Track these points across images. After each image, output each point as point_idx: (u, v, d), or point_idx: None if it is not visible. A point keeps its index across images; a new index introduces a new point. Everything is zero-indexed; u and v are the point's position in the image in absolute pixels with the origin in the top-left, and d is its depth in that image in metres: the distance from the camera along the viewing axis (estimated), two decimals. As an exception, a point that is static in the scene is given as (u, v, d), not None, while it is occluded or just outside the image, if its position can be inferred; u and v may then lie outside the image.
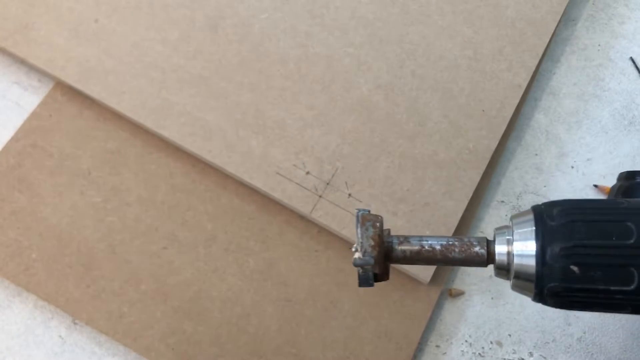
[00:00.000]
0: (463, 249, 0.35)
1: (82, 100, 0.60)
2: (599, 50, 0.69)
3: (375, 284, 0.36)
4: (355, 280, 0.46)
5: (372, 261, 0.34)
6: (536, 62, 0.64)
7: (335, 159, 0.58)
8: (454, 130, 0.60)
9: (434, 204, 0.57)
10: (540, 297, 0.32)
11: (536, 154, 0.63)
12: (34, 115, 0.59)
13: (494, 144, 0.60)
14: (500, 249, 0.34)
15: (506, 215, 0.61)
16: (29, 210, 0.56)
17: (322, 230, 0.57)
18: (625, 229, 0.30)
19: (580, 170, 0.63)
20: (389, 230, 0.37)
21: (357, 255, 0.35)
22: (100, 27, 0.61)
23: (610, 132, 0.65)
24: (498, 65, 0.63)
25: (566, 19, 0.69)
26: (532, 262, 0.32)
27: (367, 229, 0.35)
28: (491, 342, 0.56)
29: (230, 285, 0.55)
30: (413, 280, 0.56)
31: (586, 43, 0.69)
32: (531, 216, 0.33)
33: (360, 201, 0.57)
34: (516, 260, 0.33)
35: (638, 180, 0.46)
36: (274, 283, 0.55)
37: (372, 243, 0.34)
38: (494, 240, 0.35)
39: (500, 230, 0.35)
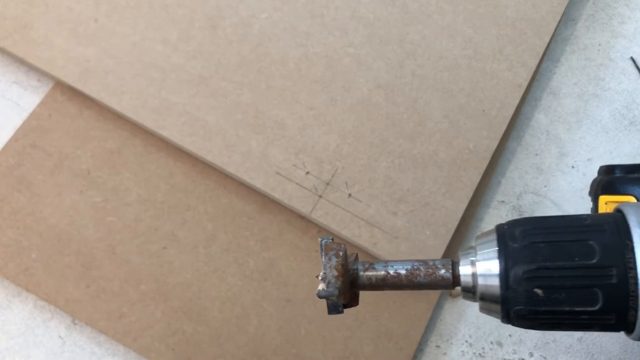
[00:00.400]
0: (428, 273, 0.34)
1: (82, 100, 0.60)
2: (599, 50, 0.69)
3: (346, 310, 0.35)
4: None
5: (336, 292, 0.33)
6: (536, 61, 0.64)
7: (335, 159, 0.58)
8: (454, 130, 0.60)
9: (434, 204, 0.57)
10: (508, 319, 0.32)
11: (536, 154, 0.63)
12: (34, 115, 0.59)
13: (494, 144, 0.60)
14: (464, 271, 0.33)
15: (506, 215, 0.61)
16: (29, 210, 0.56)
17: (322, 230, 0.57)
18: (588, 248, 0.30)
19: (581, 170, 0.63)
20: (356, 255, 0.36)
21: (321, 286, 0.34)
22: (100, 27, 0.61)
23: (610, 132, 0.65)
24: (498, 65, 0.63)
25: (566, 19, 0.69)
26: (496, 283, 0.31)
27: (330, 259, 0.34)
28: (491, 342, 0.56)
29: (230, 285, 0.55)
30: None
31: (586, 43, 0.69)
32: (494, 236, 0.33)
33: (360, 201, 0.57)
34: (480, 282, 0.32)
35: (617, 174, 0.45)
36: (274, 283, 0.55)
37: (336, 273, 0.33)
38: (458, 262, 0.34)
39: (465, 251, 0.34)
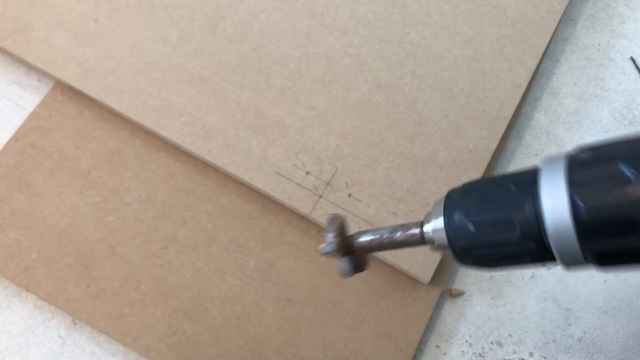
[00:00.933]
0: (404, 233, 0.41)
1: (82, 100, 0.60)
2: (599, 50, 0.69)
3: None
4: (355, 281, 0.53)
5: (334, 247, 0.40)
6: (536, 61, 0.64)
7: (335, 159, 0.58)
8: (454, 130, 0.60)
9: (434, 203, 0.57)
10: (458, 258, 0.38)
11: (536, 154, 0.63)
12: (34, 115, 0.59)
13: (494, 144, 0.60)
14: (426, 228, 0.40)
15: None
16: (29, 210, 0.56)
17: (322, 230, 0.57)
18: (506, 189, 0.37)
19: (581, 170, 0.63)
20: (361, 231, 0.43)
21: (322, 245, 0.41)
22: (100, 27, 0.61)
23: (610, 132, 0.65)
24: (498, 65, 0.63)
25: (566, 19, 0.69)
26: (443, 230, 0.38)
27: (331, 225, 0.41)
28: (491, 342, 0.56)
29: (231, 285, 0.55)
30: (413, 280, 0.56)
31: (586, 43, 0.69)
32: (443, 196, 0.40)
33: (360, 201, 0.57)
34: (436, 234, 0.39)
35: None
36: (274, 283, 0.55)
37: (335, 234, 0.41)
38: (423, 221, 0.41)
39: (427, 213, 0.41)
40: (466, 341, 0.56)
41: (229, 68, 0.61)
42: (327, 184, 0.57)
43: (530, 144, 0.64)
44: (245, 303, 0.55)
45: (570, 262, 0.35)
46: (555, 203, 0.34)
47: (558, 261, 0.36)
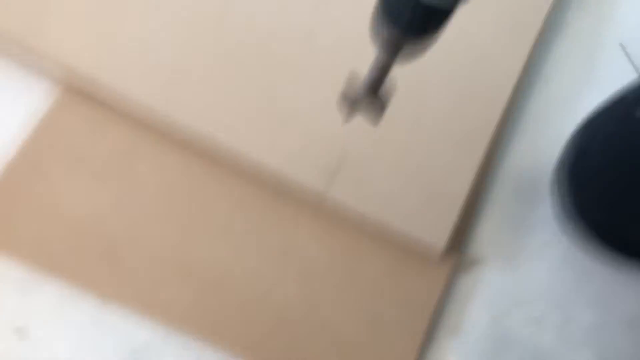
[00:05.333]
0: None
1: (94, 98, 0.62)
2: (590, 36, 0.72)
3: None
4: (372, 252, 0.58)
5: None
6: (529, 47, 0.67)
7: (346, 140, 0.61)
8: (451, 116, 0.63)
9: (438, 185, 0.60)
10: None
11: (532, 140, 0.66)
12: (48, 115, 0.61)
13: (490, 129, 0.63)
14: None
15: (507, 197, 0.63)
16: (51, 203, 0.58)
17: (337, 209, 0.59)
18: None
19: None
20: None
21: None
22: (108, 25, 0.63)
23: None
24: (493, 51, 0.67)
25: (557, 5, 0.72)
26: None
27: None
28: (508, 306, 0.58)
29: (252, 262, 0.57)
30: (429, 249, 0.58)
31: (577, 29, 0.72)
32: None
33: (373, 179, 0.59)
34: None
35: None
36: (294, 258, 0.57)
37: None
38: None
39: None
40: (482, 306, 0.58)
41: (236, 58, 0.63)
42: (340, 164, 0.60)
43: (525, 129, 0.66)
44: (268, 277, 0.56)
45: None
46: None
47: None
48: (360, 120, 0.61)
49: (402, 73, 0.65)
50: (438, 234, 0.58)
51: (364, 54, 0.66)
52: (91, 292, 0.55)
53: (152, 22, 0.65)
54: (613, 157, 0.54)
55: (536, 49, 0.70)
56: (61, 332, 0.54)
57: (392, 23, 0.43)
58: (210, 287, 0.56)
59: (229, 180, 0.60)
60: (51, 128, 0.61)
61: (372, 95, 0.48)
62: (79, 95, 0.63)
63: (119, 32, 0.64)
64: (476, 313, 0.57)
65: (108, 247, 0.56)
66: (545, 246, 0.60)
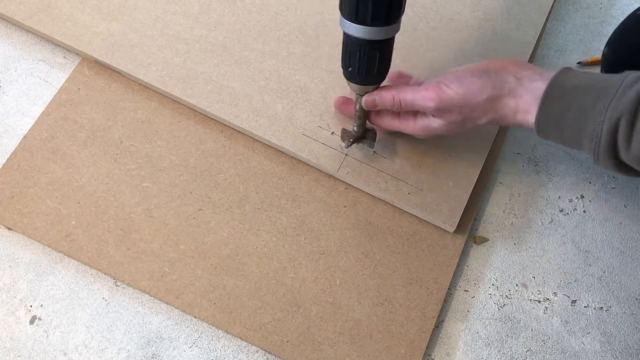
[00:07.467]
0: None
1: (109, 74, 0.62)
2: (601, 8, 0.71)
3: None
4: (384, 232, 0.59)
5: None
6: (543, 19, 0.67)
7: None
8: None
9: (455, 156, 0.60)
10: None
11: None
12: (63, 90, 0.61)
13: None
14: None
15: (523, 166, 0.63)
16: (65, 180, 0.58)
17: (350, 186, 0.60)
18: None
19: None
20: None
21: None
22: (122, 2, 0.63)
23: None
24: (508, 24, 0.66)
25: (568, -20, 0.72)
26: None
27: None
28: (517, 285, 0.59)
29: (266, 241, 0.57)
30: (439, 230, 0.59)
31: (588, 2, 0.71)
32: None
33: (385, 157, 0.59)
34: None
35: None
36: (307, 238, 0.58)
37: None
38: None
39: None
40: (492, 284, 0.59)
41: (249, 37, 0.63)
42: (352, 142, 0.59)
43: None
44: (281, 257, 0.57)
45: None
46: None
47: None
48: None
49: (420, 48, 0.65)
50: (450, 216, 0.58)
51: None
52: (105, 273, 0.55)
53: (165, 2, 0.64)
54: None
55: (550, 22, 0.69)
56: (74, 315, 0.55)
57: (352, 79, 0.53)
58: (225, 266, 0.56)
59: (244, 154, 0.60)
60: (66, 101, 0.61)
61: (362, 132, 0.58)
62: (95, 67, 0.62)
63: (132, 13, 0.63)
64: (484, 295, 0.58)
65: (123, 226, 0.56)
66: (552, 224, 0.61)
